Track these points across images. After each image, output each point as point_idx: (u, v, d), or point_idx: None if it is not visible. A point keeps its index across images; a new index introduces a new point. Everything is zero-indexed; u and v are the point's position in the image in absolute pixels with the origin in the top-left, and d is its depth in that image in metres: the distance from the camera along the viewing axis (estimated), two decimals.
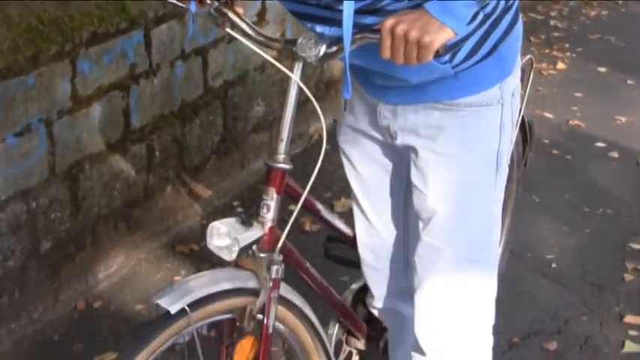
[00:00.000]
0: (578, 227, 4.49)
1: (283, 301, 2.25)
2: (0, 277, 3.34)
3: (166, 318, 2.02)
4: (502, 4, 2.12)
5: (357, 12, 1.93)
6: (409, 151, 2.30)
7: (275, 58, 2.12)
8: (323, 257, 2.80)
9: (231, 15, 2.17)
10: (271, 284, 2.16)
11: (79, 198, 3.65)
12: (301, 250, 2.43)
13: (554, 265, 4.17)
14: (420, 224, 2.30)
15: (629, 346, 3.65)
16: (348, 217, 2.67)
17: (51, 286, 3.60)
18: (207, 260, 3.66)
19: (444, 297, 2.31)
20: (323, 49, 2.06)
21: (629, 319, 3.81)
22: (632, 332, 3.73)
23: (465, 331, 2.33)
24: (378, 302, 2.65)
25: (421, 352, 2.34)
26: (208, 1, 2.14)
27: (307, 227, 4.21)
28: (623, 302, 3.93)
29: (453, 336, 2.33)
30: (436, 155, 2.25)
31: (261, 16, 4.64)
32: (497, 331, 2.37)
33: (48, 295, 3.60)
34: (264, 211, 2.17)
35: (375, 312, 2.69)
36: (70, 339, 3.51)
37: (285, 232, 2.19)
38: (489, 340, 2.38)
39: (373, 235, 2.55)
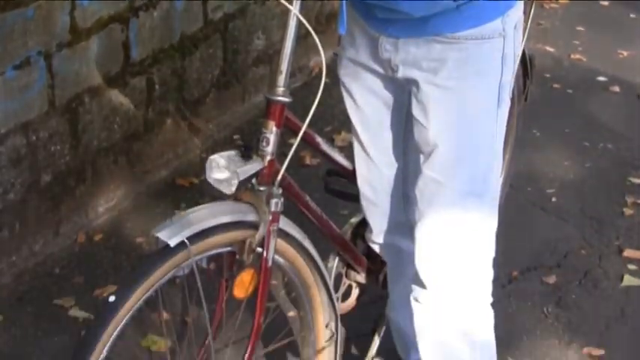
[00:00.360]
0: (579, 161, 4.49)
1: (283, 234, 2.25)
2: (0, 210, 3.34)
3: (166, 251, 2.03)
4: None
5: None
6: (410, 84, 2.29)
7: None
8: (323, 191, 2.80)
9: None
10: (270, 217, 2.16)
11: (79, 131, 3.64)
12: (301, 184, 2.42)
13: (554, 200, 4.17)
14: (421, 158, 2.29)
15: (628, 280, 3.67)
16: (348, 151, 2.67)
17: (51, 219, 3.61)
18: (207, 194, 3.66)
19: (445, 230, 2.31)
20: None
21: (629, 253, 3.82)
22: (631, 266, 3.74)
23: (465, 264, 2.34)
24: (376, 237, 2.66)
25: (422, 285, 2.35)
26: None
27: (307, 161, 4.21)
28: (622, 236, 3.94)
29: (454, 269, 2.33)
30: (438, 88, 2.23)
31: None
32: (496, 264, 2.38)
33: (48, 228, 3.60)
34: (264, 144, 2.17)
35: (374, 246, 2.70)
36: (70, 272, 3.52)
37: (285, 165, 2.19)
38: (489, 273, 2.38)
39: (372, 169, 2.54)
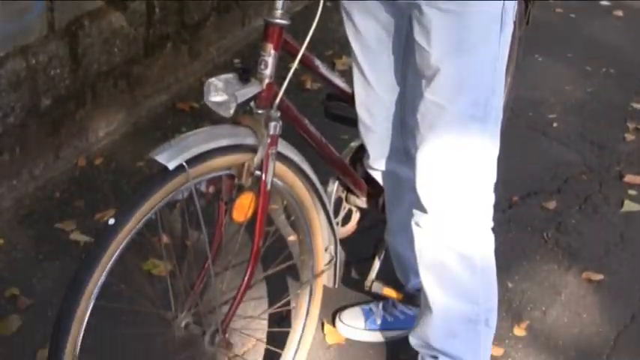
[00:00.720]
0: (581, 86, 4.47)
1: (281, 157, 2.25)
2: (0, 134, 3.34)
3: (165, 174, 2.02)
4: None
5: None
6: (412, 8, 2.27)
7: None
8: (323, 116, 2.79)
9: None
10: (269, 141, 2.16)
11: (79, 55, 3.62)
12: (302, 109, 2.41)
13: (555, 125, 4.17)
14: (423, 82, 2.28)
15: (628, 206, 3.68)
16: (349, 76, 2.65)
17: (51, 143, 3.61)
18: (207, 118, 3.65)
19: (446, 155, 2.30)
20: None
21: (629, 178, 3.83)
22: (631, 192, 3.75)
23: (466, 188, 2.33)
24: (374, 163, 2.65)
25: (422, 209, 2.35)
26: None
27: (308, 85, 4.20)
28: (623, 162, 3.94)
29: (455, 193, 2.33)
30: (440, 12, 2.21)
31: None
32: (496, 190, 2.38)
33: (48, 152, 3.60)
34: (262, 67, 2.15)
35: (372, 172, 2.69)
36: (70, 196, 3.53)
37: (283, 88, 2.18)
38: (490, 198, 2.38)
39: (371, 94, 2.53)
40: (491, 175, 2.36)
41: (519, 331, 3.04)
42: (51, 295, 3.00)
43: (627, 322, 3.11)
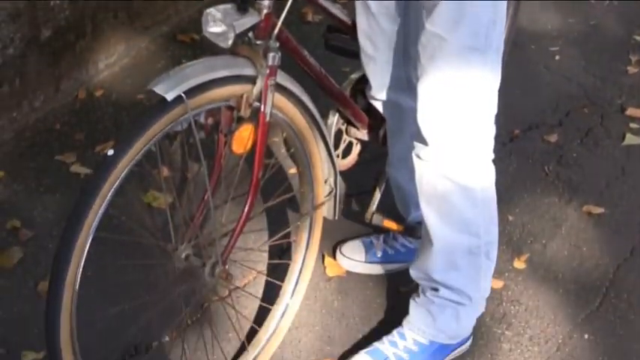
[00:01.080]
0: (583, 19, 4.44)
1: (280, 88, 2.24)
2: (0, 65, 3.32)
3: (163, 105, 2.01)
4: None
5: None
6: None
7: None
8: (324, 48, 2.77)
9: None
10: (268, 71, 2.14)
11: None
12: (303, 41, 2.40)
13: (557, 58, 4.15)
14: (424, 13, 2.26)
15: (630, 139, 3.67)
16: (350, 8, 2.63)
17: (52, 74, 3.59)
18: (208, 50, 3.62)
19: (447, 86, 2.29)
20: None
21: (631, 111, 3.82)
22: (633, 125, 3.74)
23: (467, 120, 2.33)
24: (376, 93, 2.64)
25: (423, 141, 2.35)
26: None
27: (309, 17, 4.17)
28: (625, 95, 3.93)
29: (456, 125, 2.32)
30: None
31: None
32: (497, 123, 2.37)
33: (49, 83, 3.59)
34: None
35: (374, 103, 2.68)
36: (71, 128, 3.52)
37: (282, 17, 2.16)
38: (491, 130, 2.38)
39: (372, 24, 2.51)
40: (491, 107, 2.35)
41: (519, 263, 3.05)
42: (51, 227, 3.02)
43: (627, 255, 3.12)
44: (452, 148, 2.35)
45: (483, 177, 2.42)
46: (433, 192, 2.41)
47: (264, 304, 2.73)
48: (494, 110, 2.36)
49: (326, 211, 2.60)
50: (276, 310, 2.67)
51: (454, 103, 2.30)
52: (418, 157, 2.39)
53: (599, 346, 2.79)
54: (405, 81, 2.52)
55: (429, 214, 2.45)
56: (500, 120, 2.37)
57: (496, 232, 2.53)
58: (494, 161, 2.41)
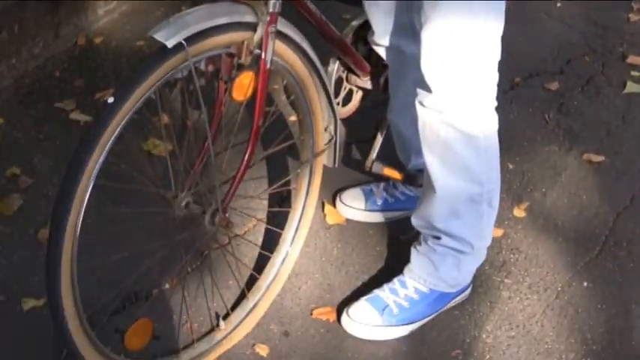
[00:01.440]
0: None
1: (281, 35, 2.22)
2: None
3: (163, 52, 2.00)
4: None
5: None
6: None
7: None
8: None
9: None
10: (268, 18, 2.13)
11: None
12: None
13: (559, 5, 4.12)
14: None
15: (631, 87, 3.66)
16: None
17: (51, 21, 3.57)
18: None
19: (451, 34, 2.28)
20: None
21: (632, 59, 3.80)
22: (634, 73, 3.73)
23: (471, 67, 2.32)
24: (378, 39, 2.63)
25: (427, 88, 2.34)
26: None
27: None
28: (626, 43, 3.91)
29: (459, 72, 2.31)
30: None
31: None
32: (499, 70, 2.36)
33: (48, 30, 3.57)
34: None
35: (377, 49, 2.67)
36: (71, 75, 3.51)
37: None
38: (494, 77, 2.37)
39: None
40: (495, 54, 2.34)
41: (519, 212, 3.05)
42: (52, 175, 3.02)
43: (627, 203, 3.12)
44: (455, 96, 2.34)
45: (486, 124, 2.41)
46: (436, 139, 2.41)
47: (263, 252, 2.74)
48: (498, 57, 2.35)
49: (326, 159, 2.60)
50: (276, 258, 2.68)
51: (458, 50, 2.29)
52: (421, 104, 2.38)
53: (598, 293, 2.81)
54: (408, 27, 2.51)
55: (432, 162, 2.45)
56: (501, 68, 2.36)
57: (498, 180, 2.53)
58: (496, 109, 2.41)
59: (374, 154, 2.82)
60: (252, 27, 2.12)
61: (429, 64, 2.32)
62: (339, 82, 2.79)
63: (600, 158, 3.30)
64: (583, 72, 3.73)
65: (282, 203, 2.96)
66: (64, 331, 2.10)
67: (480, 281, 2.80)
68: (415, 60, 2.35)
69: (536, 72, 3.72)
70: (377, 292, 2.66)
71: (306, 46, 2.33)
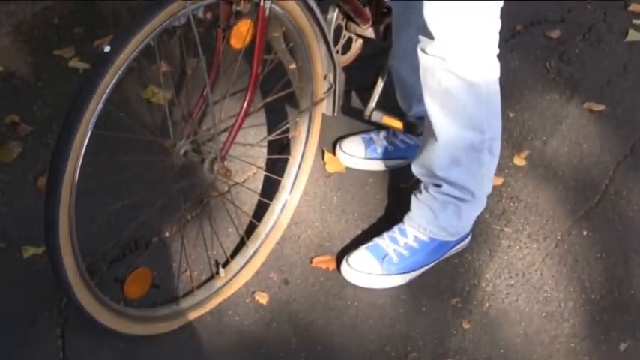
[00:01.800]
0: None
1: None
2: None
3: (161, 0, 1.99)
4: None
5: None
6: None
7: None
8: None
9: None
10: None
11: None
12: None
13: None
14: None
15: (633, 35, 3.64)
16: None
17: None
18: None
19: None
20: None
21: (634, 7, 3.78)
22: (636, 21, 3.70)
23: (474, 14, 2.30)
24: None
25: (429, 36, 2.32)
26: None
27: None
28: None
29: (462, 19, 2.30)
30: None
31: None
32: (500, 18, 2.34)
33: None
34: None
35: None
36: (69, 22, 3.49)
37: None
38: (497, 24, 2.35)
39: None
40: (497, 1, 2.32)
41: (519, 160, 3.05)
42: (51, 122, 3.01)
43: (627, 152, 3.12)
44: (458, 43, 2.32)
45: (488, 72, 2.40)
46: (438, 87, 2.39)
47: (263, 200, 2.75)
48: (500, 4, 2.33)
49: (325, 107, 2.59)
50: (275, 205, 2.68)
51: None
52: (423, 51, 2.36)
53: (597, 242, 2.81)
54: None
55: (433, 110, 2.44)
56: (502, 16, 2.34)
57: (499, 128, 2.52)
58: (497, 56, 2.40)
59: (373, 103, 2.81)
60: None
61: (432, 11, 2.30)
62: (338, 30, 2.77)
63: (601, 107, 3.28)
64: (584, 20, 3.71)
65: (281, 151, 2.96)
66: (64, 280, 2.11)
67: (480, 230, 2.80)
68: (419, 6, 2.33)
69: (538, 20, 3.69)
70: (377, 240, 2.66)
71: None
